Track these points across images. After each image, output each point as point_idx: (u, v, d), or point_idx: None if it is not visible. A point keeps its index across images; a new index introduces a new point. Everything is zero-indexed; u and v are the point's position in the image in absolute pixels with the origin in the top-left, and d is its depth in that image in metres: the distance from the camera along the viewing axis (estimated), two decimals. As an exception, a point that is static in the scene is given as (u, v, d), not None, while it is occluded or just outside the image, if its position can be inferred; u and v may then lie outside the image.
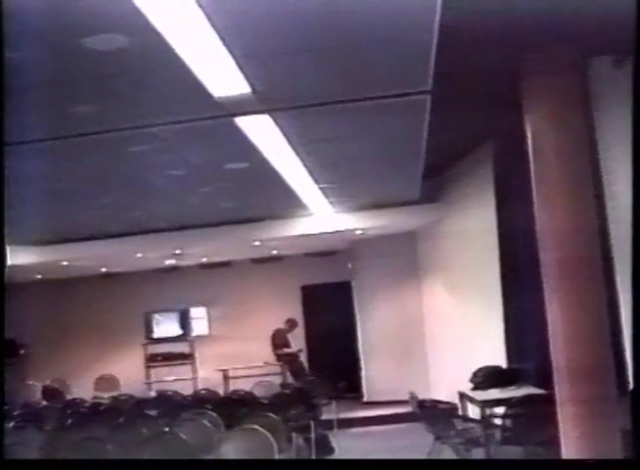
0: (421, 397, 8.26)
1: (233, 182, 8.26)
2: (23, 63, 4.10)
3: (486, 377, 8.19)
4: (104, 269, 14.49)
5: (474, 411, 8.01)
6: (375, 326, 13.36)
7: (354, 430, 11.56)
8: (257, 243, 12.37)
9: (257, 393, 10.36)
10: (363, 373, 13.50)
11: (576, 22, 5.03)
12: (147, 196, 8.80)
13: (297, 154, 7.20)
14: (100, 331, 14.93)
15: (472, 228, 9.95)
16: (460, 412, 8.25)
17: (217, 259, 14.79)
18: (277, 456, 5.51)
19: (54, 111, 5.20)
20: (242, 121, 5.87)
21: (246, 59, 4.59)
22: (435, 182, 10.71)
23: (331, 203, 10.46)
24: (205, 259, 14.54)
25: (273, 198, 9.66)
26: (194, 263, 14.77)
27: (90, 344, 15.02)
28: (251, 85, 5.03)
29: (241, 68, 4.71)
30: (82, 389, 13.51)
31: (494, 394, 7.65)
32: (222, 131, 6.06)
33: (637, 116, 3.51)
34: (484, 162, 8.92)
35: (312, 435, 8.60)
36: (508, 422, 7.08)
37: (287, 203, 10.03)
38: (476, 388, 8.17)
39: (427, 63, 5.02)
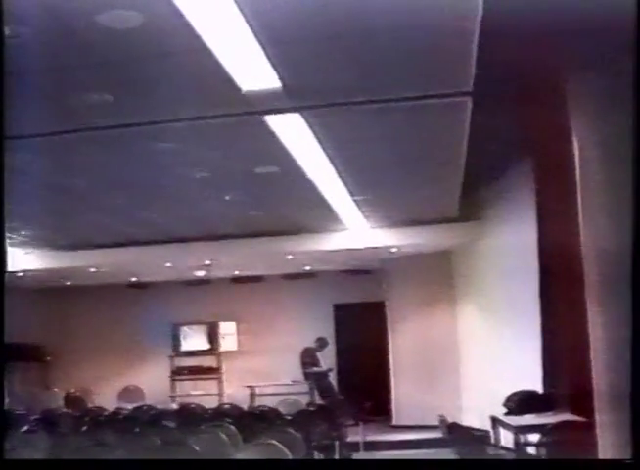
0: (451, 421, 7.89)
1: (262, 188, 7.99)
2: (27, 43, 3.80)
3: (521, 402, 7.81)
4: (134, 279, 14.35)
5: (506, 438, 7.62)
6: (407, 348, 12.99)
7: (381, 453, 11.17)
8: (290, 257, 12.12)
9: (282, 410, 10.07)
10: (393, 395, 13.13)
11: (624, 20, 4.72)
12: (173, 202, 8.57)
13: (331, 160, 6.93)
14: (127, 341, 14.75)
15: (510, 246, 9.59)
16: (492, 438, 7.86)
17: (248, 274, 14.59)
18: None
19: (68, 100, 4.93)
20: (271, 120, 5.62)
21: (276, 52, 4.34)
22: (475, 199, 10.36)
23: (366, 217, 10.16)
24: (236, 273, 14.34)
25: (305, 208, 9.36)
26: (225, 276, 14.56)
27: (117, 353, 14.85)
28: (282, 80, 4.79)
29: (271, 61, 4.47)
30: (107, 399, 13.31)
31: (529, 419, 7.27)
32: (251, 130, 5.79)
33: (638, 115, 3.56)
34: (526, 176, 8.56)
35: (336, 455, 8.31)
36: (542, 450, 6.69)
37: (320, 215, 9.73)
38: (509, 413, 7.79)
39: (468, 63, 4.75)
